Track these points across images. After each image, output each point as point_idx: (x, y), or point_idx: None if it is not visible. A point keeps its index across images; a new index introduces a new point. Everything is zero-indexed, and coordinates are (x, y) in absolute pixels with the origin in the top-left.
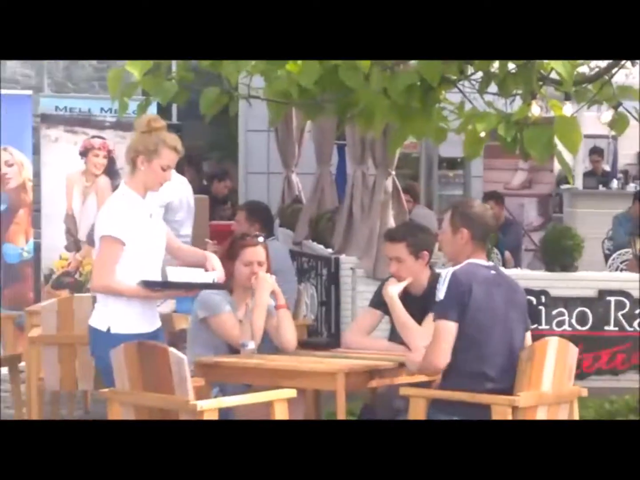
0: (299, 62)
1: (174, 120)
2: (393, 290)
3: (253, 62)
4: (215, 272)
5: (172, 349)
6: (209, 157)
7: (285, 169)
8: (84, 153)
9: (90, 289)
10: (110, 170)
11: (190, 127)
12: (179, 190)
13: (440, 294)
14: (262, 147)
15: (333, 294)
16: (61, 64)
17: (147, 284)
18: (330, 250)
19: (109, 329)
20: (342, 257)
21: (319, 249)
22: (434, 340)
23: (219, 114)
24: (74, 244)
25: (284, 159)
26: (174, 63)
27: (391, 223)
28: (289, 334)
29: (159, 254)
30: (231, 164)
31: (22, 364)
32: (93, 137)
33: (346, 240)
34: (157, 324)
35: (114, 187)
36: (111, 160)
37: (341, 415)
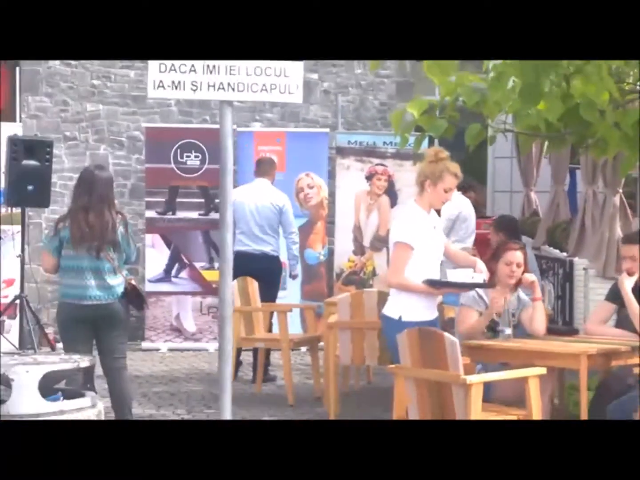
0: (546, 101)
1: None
2: (628, 284)
3: (510, 101)
4: (483, 273)
5: (447, 334)
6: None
7: (525, 188)
8: (369, 177)
9: (387, 285)
10: (390, 191)
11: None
12: (465, 211)
13: None
14: (506, 170)
15: (567, 289)
16: (351, 107)
17: (432, 283)
18: (565, 253)
19: (400, 317)
20: (576, 259)
21: (556, 252)
22: None
23: (461, 141)
24: (359, 249)
25: (525, 179)
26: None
27: (618, 232)
28: (540, 322)
29: (438, 258)
30: (476, 180)
31: (320, 344)
32: (377, 164)
33: (579, 246)
34: (436, 313)
35: (392, 205)
36: (391, 183)
37: (583, 389)
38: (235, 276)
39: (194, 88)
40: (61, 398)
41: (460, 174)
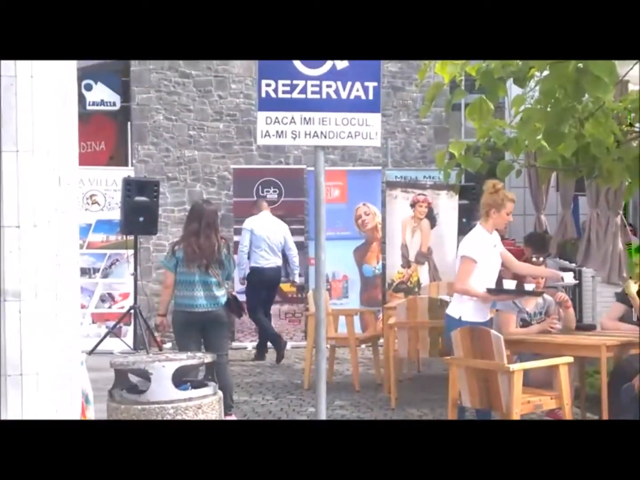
0: (564, 141)
1: (464, 182)
2: (633, 288)
3: (534, 141)
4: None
5: (493, 331)
6: None
7: (537, 212)
8: (412, 205)
9: (454, 291)
10: (430, 216)
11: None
12: None
13: None
14: (520, 197)
15: (577, 293)
16: (398, 148)
17: (491, 291)
18: (574, 264)
19: (460, 318)
20: (584, 269)
21: (565, 263)
22: None
23: (492, 175)
24: (406, 263)
25: (536, 205)
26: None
27: (620, 246)
28: (570, 322)
29: (496, 270)
30: None
31: (379, 341)
32: (419, 194)
33: (586, 258)
34: (489, 316)
35: (432, 227)
36: (430, 210)
37: (604, 373)
38: (258, 286)
39: (294, 136)
40: (189, 387)
41: (515, 199)
